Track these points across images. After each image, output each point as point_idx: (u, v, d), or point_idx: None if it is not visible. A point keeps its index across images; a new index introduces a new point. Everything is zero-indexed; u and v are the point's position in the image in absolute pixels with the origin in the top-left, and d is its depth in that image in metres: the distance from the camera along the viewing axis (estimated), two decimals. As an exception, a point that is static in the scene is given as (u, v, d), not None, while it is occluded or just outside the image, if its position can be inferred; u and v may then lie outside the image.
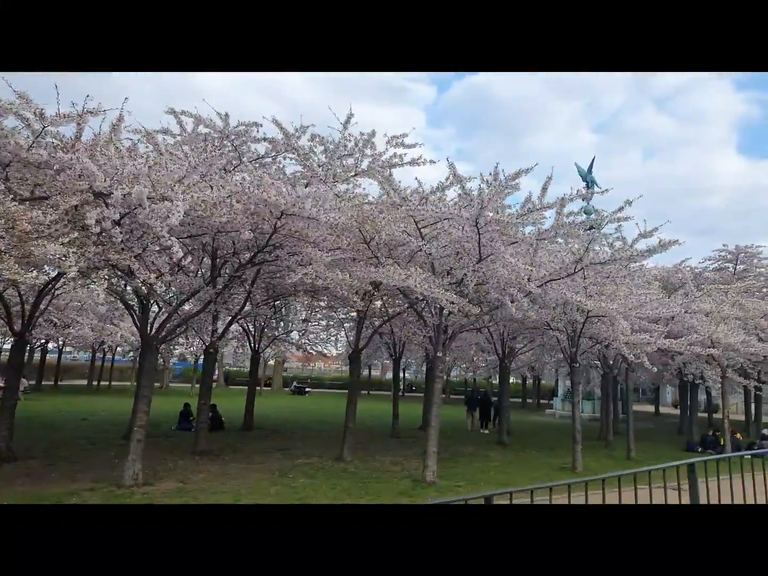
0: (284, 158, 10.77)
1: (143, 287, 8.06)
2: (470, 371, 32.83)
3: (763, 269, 20.09)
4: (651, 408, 36.02)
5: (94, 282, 10.83)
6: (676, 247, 9.91)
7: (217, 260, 10.12)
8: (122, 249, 7.25)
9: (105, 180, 6.21)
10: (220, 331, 12.49)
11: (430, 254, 9.34)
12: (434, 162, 9.86)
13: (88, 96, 6.15)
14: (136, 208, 6.60)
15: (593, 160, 29.15)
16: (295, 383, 39.22)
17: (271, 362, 37.44)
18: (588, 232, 10.34)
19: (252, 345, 16.65)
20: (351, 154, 10.33)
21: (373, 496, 8.95)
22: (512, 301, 9.72)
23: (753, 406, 22.80)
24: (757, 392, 19.73)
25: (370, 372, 42.52)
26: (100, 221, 6.25)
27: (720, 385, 15.57)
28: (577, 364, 12.41)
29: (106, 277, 8.42)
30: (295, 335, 18.71)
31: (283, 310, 13.99)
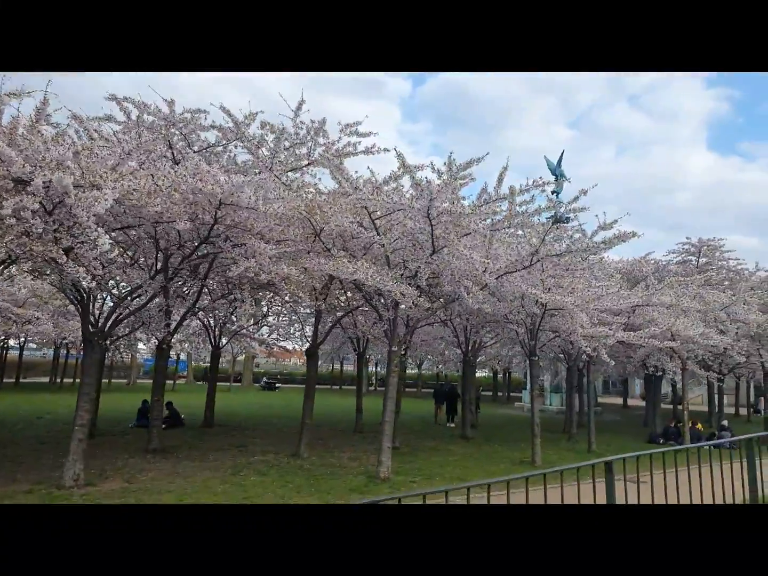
0: (235, 147, 10.43)
1: (81, 280, 7.69)
2: (441, 364, 32.86)
3: (724, 262, 20.39)
4: (620, 400, 36.54)
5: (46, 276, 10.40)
6: (642, 241, 9.92)
7: (165, 252, 9.75)
8: (55, 240, 6.88)
9: (25, 166, 5.84)
10: (175, 326, 12.11)
11: (383, 246, 9.13)
12: (388, 150, 9.63)
13: (4, 75, 5.74)
14: (63, 197, 6.23)
15: (562, 153, 29.20)
16: (264, 379, 38.75)
17: (241, 358, 36.94)
18: (545, 222, 10.25)
19: (212, 341, 16.27)
20: (303, 142, 10.05)
21: (323, 494, 8.74)
22: (468, 294, 9.57)
23: (716, 397, 23.20)
24: (719, 384, 20.04)
25: (342, 366, 42.25)
26: (19, 210, 5.88)
27: (680, 377, 15.74)
28: (536, 357, 12.36)
29: (41, 269, 8.03)
30: (254, 329, 18.33)
31: (244, 304, 13.57)
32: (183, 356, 38.47)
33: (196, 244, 8.49)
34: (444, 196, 8.09)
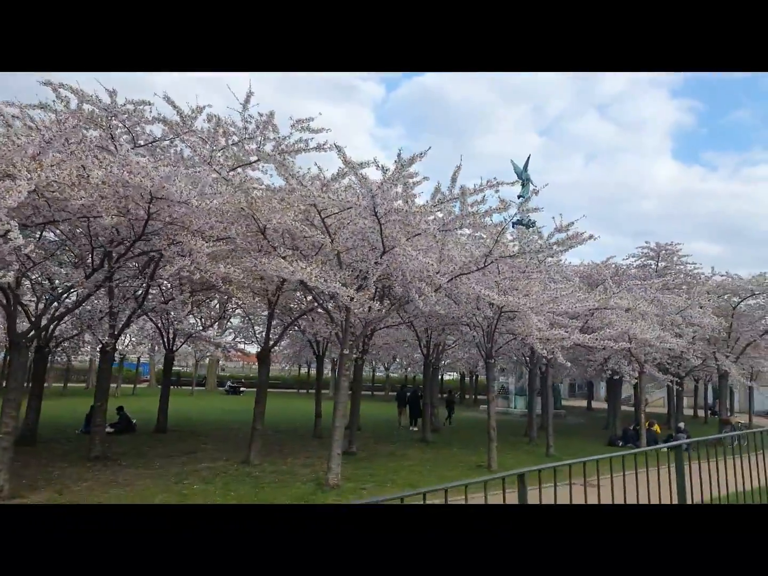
0: (182, 141, 10.00)
1: (3, 278, 7.19)
2: (408, 366, 32.69)
3: (681, 266, 20.69)
4: (585, 403, 36.96)
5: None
6: (609, 247, 9.88)
7: (103, 249, 9.27)
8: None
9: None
10: (120, 328, 11.58)
11: (330, 244, 8.84)
12: (340, 149, 9.34)
13: None
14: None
15: (528, 158, 29.65)
16: (229, 383, 37.94)
17: (206, 361, 36.13)
18: (499, 223, 10.12)
19: (165, 343, 15.70)
20: (253, 137, 9.70)
21: (265, 503, 8.38)
22: (420, 296, 9.35)
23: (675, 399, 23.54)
24: (678, 387, 20.32)
25: (309, 370, 41.65)
26: None
27: (636, 380, 15.85)
28: (492, 360, 12.23)
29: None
30: (218, 332, 17.82)
31: (187, 306, 13.08)
32: (146, 359, 37.43)
33: (131, 241, 8.06)
34: (389, 194, 7.86)
